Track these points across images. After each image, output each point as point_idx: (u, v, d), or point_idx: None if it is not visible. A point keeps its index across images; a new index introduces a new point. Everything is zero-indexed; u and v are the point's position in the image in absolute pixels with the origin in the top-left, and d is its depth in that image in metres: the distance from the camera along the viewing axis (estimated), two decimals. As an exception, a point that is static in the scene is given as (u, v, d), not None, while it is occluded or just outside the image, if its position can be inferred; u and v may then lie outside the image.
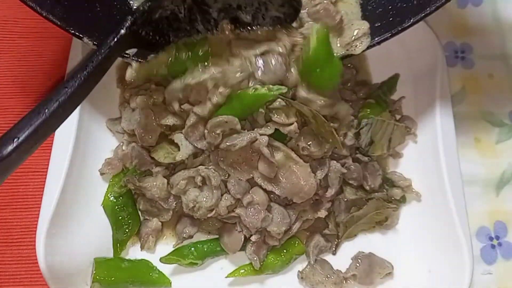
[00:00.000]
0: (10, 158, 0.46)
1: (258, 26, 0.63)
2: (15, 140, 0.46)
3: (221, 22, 0.63)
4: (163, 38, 0.63)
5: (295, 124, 0.64)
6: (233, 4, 0.61)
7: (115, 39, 0.56)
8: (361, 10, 0.70)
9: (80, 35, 0.63)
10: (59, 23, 0.62)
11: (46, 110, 0.49)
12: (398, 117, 0.79)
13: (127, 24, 0.57)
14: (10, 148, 0.46)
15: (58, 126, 0.52)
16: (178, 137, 0.69)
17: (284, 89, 0.63)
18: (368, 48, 0.66)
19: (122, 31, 0.57)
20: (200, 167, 0.68)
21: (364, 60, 0.82)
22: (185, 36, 0.63)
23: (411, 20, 0.63)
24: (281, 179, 0.66)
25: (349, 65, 0.80)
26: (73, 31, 0.63)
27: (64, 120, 0.52)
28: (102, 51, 0.55)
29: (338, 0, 0.69)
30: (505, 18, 0.88)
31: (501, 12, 0.88)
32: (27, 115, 0.48)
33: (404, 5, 0.65)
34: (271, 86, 0.63)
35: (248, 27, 0.64)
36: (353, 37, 0.65)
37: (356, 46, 0.66)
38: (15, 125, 0.48)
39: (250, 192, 0.67)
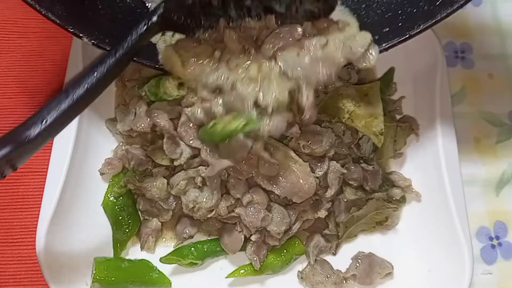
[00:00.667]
0: (36, 140, 0.47)
1: (290, 18, 0.62)
2: (43, 122, 0.48)
3: (255, 9, 0.62)
4: (194, 22, 0.63)
5: (297, 126, 0.64)
6: None
7: (146, 26, 0.57)
8: (356, 17, 0.67)
9: (80, 34, 0.62)
10: (58, 21, 0.61)
11: (75, 94, 0.50)
12: (398, 117, 0.79)
13: (160, 12, 0.58)
14: (38, 130, 0.47)
15: (83, 109, 0.53)
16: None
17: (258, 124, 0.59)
18: None
19: (154, 18, 0.57)
20: (200, 167, 0.68)
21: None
22: (216, 20, 0.63)
23: (421, 26, 0.60)
24: (281, 178, 0.66)
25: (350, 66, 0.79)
26: (72, 30, 0.62)
27: (90, 103, 0.53)
28: (132, 37, 0.56)
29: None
30: (505, 18, 0.88)
31: (501, 12, 0.88)
32: (55, 98, 0.49)
33: (414, 10, 0.63)
34: (249, 116, 0.58)
35: (280, 19, 0.63)
36: (362, 50, 0.62)
37: (369, 58, 0.63)
38: (44, 107, 0.49)
39: (250, 191, 0.67)
